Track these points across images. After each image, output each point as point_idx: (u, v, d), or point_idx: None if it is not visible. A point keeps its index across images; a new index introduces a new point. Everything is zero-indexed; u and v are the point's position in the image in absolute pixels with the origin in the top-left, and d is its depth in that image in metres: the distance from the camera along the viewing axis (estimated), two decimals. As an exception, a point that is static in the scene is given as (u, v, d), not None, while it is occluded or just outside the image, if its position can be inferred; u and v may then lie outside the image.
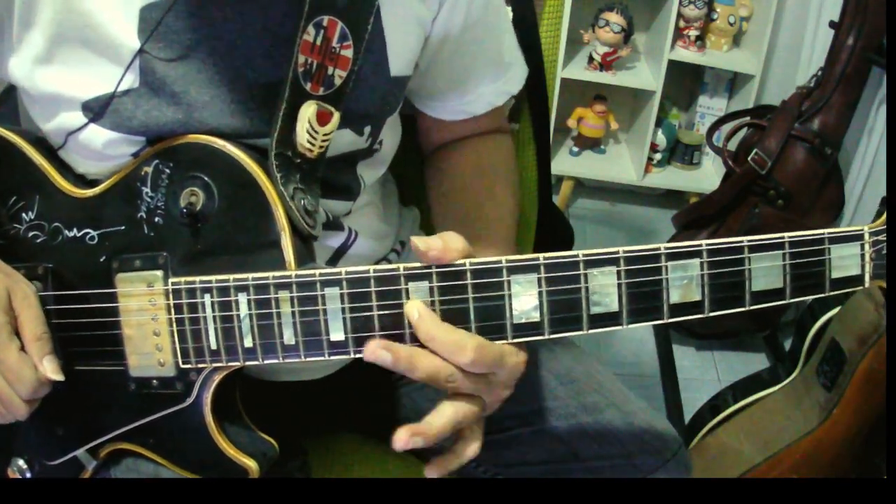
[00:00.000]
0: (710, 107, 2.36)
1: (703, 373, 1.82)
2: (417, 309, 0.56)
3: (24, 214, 0.65)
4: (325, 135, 0.64)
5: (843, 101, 1.65)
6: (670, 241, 2.05)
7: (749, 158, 1.69)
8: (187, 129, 0.62)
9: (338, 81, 0.65)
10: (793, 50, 2.02)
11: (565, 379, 0.81)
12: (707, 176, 2.36)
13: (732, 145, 1.80)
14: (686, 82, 2.41)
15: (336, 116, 0.64)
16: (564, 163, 2.34)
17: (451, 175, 0.83)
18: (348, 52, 0.65)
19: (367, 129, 0.71)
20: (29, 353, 0.60)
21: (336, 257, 0.76)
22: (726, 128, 1.84)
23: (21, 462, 0.69)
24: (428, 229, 0.94)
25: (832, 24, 1.67)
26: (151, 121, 0.62)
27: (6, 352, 0.59)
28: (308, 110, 0.62)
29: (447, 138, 0.85)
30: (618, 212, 2.47)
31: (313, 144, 0.63)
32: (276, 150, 0.61)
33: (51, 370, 0.60)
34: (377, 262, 0.82)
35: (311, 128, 0.63)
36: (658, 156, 2.33)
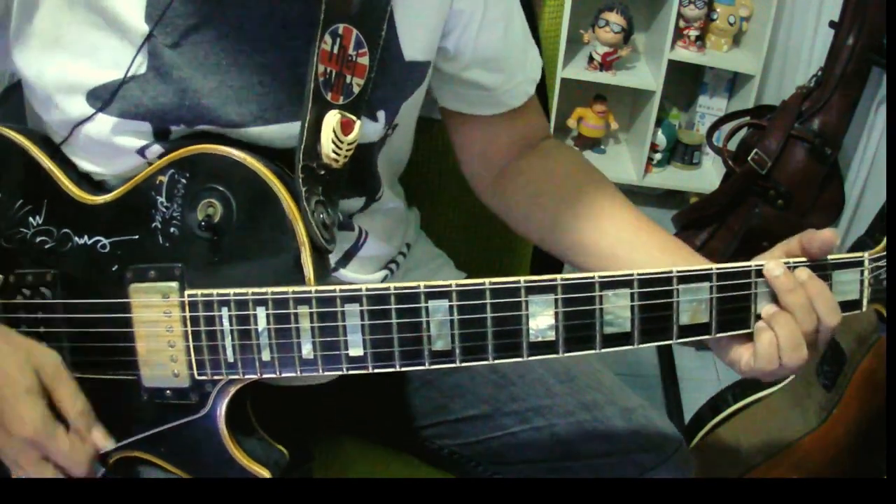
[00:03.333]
0: (710, 107, 2.36)
1: (703, 373, 1.82)
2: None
3: (31, 219, 0.64)
4: (349, 144, 0.63)
5: (843, 101, 1.64)
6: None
7: (749, 158, 1.69)
8: (194, 115, 0.62)
9: (356, 89, 0.64)
10: (793, 50, 2.02)
11: (564, 377, 0.81)
12: (707, 176, 2.36)
13: (732, 145, 1.80)
14: (686, 82, 2.41)
15: (358, 125, 0.64)
16: (564, 163, 2.33)
17: (562, 173, 0.79)
18: (364, 60, 0.64)
19: (382, 115, 0.70)
20: (75, 429, 0.59)
21: (346, 258, 0.76)
22: (726, 128, 1.84)
23: None
24: (428, 230, 0.94)
25: (832, 24, 1.66)
26: (158, 107, 0.61)
27: (57, 440, 0.58)
28: (332, 120, 0.62)
29: (503, 144, 0.81)
30: (618, 212, 2.46)
31: (338, 154, 0.63)
32: (301, 162, 0.61)
33: (102, 439, 0.61)
34: (386, 265, 0.82)
35: (336, 138, 0.62)
36: (658, 156, 2.33)
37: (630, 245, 0.72)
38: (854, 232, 1.74)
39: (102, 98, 0.61)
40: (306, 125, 0.62)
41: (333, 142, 0.62)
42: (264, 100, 0.63)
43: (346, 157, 0.64)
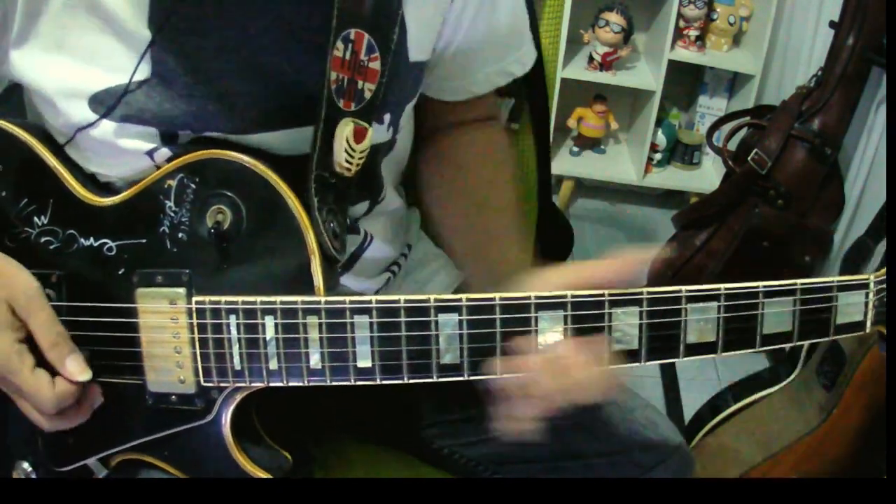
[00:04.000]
0: (710, 107, 2.36)
1: (703, 373, 1.82)
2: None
3: (36, 218, 0.63)
4: (361, 152, 0.63)
5: (843, 101, 1.65)
6: (670, 241, 2.02)
7: (749, 158, 1.69)
8: (200, 122, 0.61)
9: (367, 95, 0.63)
10: (793, 50, 2.02)
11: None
12: (707, 176, 2.36)
13: (732, 145, 1.80)
14: (686, 82, 2.41)
15: (370, 132, 0.63)
16: (564, 163, 2.33)
17: (457, 162, 0.80)
18: (376, 65, 0.63)
19: (388, 118, 0.70)
20: (50, 360, 0.59)
21: (350, 261, 0.76)
22: (726, 128, 1.84)
23: (26, 465, 0.68)
24: (427, 229, 0.94)
25: (832, 24, 1.66)
26: (164, 113, 0.61)
27: (18, 376, 0.57)
28: (345, 129, 0.61)
29: (445, 122, 0.82)
30: (618, 212, 2.46)
31: (350, 163, 0.62)
32: (315, 171, 0.60)
33: (77, 372, 0.59)
34: (388, 266, 0.81)
35: (349, 147, 0.62)
36: (658, 156, 2.33)
37: (453, 227, 0.75)
38: (854, 232, 1.74)
39: (106, 103, 0.60)
40: (319, 134, 0.61)
41: (346, 151, 0.62)
42: (269, 106, 0.63)
43: (358, 164, 0.63)
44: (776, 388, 1.44)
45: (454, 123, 0.83)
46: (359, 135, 0.62)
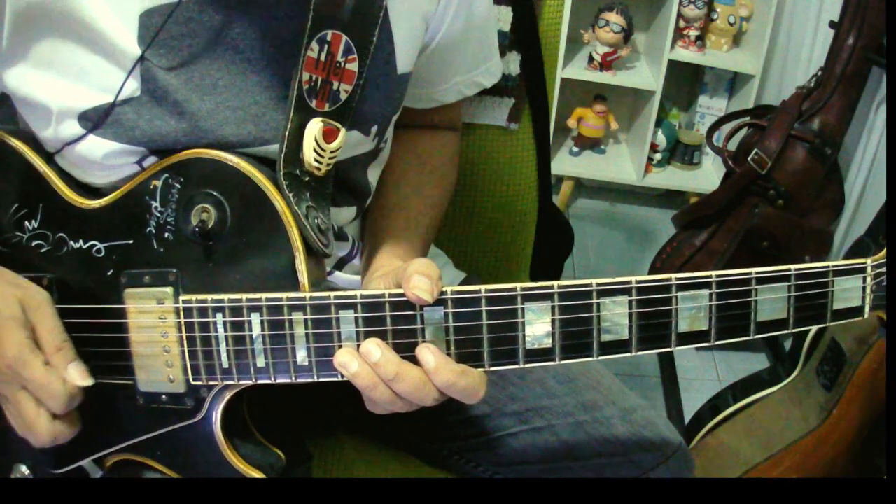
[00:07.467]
0: (710, 107, 2.36)
1: (703, 373, 1.82)
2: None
3: (27, 223, 0.64)
4: (331, 152, 0.63)
5: (843, 101, 1.65)
6: (670, 241, 2.01)
7: (749, 158, 1.69)
8: (191, 139, 0.61)
9: (343, 96, 0.64)
10: (793, 50, 2.02)
11: (563, 377, 0.82)
12: (707, 176, 2.36)
13: (732, 145, 1.80)
14: (686, 82, 2.41)
15: (342, 133, 0.64)
16: (564, 163, 2.34)
17: (391, 164, 0.81)
18: (353, 66, 0.64)
19: (374, 129, 0.70)
20: (53, 364, 0.59)
21: (338, 266, 0.76)
22: (726, 128, 1.84)
23: (24, 468, 0.68)
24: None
25: (832, 24, 1.67)
26: (154, 131, 0.61)
27: (32, 369, 0.58)
28: (314, 128, 0.62)
29: (403, 123, 0.82)
30: (618, 212, 2.47)
31: (320, 162, 0.62)
32: (284, 169, 0.61)
33: (79, 377, 0.60)
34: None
35: (317, 146, 0.62)
36: (658, 156, 2.33)
37: (374, 224, 0.76)
38: (854, 232, 1.74)
39: (93, 120, 0.61)
40: (287, 132, 0.61)
41: (315, 150, 0.62)
42: (261, 120, 0.63)
43: (328, 164, 0.63)
44: (776, 388, 1.44)
45: (411, 125, 0.84)
46: (329, 135, 0.63)
